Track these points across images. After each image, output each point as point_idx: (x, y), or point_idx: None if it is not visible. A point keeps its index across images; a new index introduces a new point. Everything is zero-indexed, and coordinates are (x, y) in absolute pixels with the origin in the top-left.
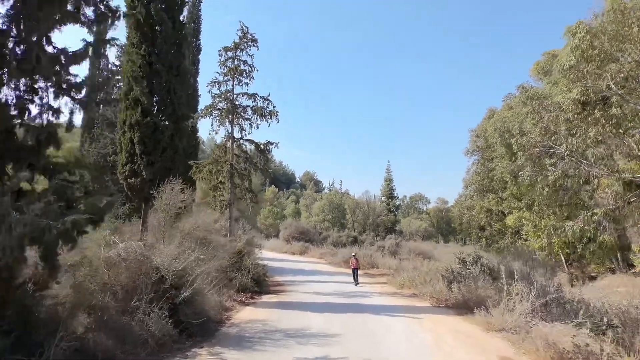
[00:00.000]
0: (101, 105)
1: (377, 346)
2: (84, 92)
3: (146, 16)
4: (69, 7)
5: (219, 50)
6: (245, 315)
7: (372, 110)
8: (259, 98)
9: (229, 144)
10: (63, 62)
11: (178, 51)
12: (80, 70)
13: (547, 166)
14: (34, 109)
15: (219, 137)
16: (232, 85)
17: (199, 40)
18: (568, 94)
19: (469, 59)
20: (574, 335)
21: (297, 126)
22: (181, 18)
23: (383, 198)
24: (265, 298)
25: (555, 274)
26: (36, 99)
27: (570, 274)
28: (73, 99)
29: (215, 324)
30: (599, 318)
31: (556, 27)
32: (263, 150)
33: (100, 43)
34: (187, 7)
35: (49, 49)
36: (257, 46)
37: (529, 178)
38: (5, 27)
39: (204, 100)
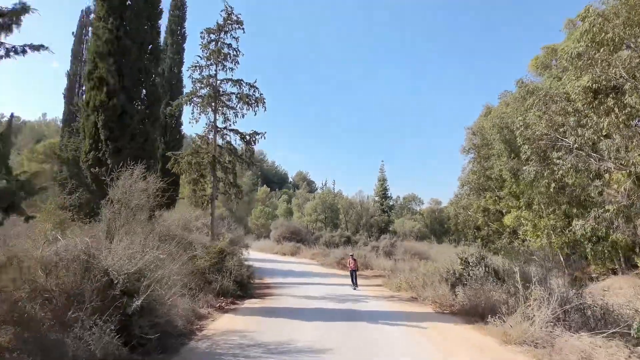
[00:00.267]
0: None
1: None
2: None
3: None
4: None
5: (201, 33)
6: (222, 324)
7: (366, 111)
8: (244, 85)
9: (211, 134)
10: None
11: (152, 27)
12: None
13: (555, 160)
14: None
15: (201, 128)
16: (216, 71)
17: (184, 28)
18: (577, 82)
19: (462, 59)
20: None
21: (290, 126)
22: None
23: (376, 198)
24: (249, 303)
25: (553, 275)
26: None
27: (570, 274)
28: None
29: (183, 336)
30: (625, 326)
31: (550, 26)
32: (249, 141)
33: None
34: None
35: None
36: (243, 29)
37: (534, 173)
38: None
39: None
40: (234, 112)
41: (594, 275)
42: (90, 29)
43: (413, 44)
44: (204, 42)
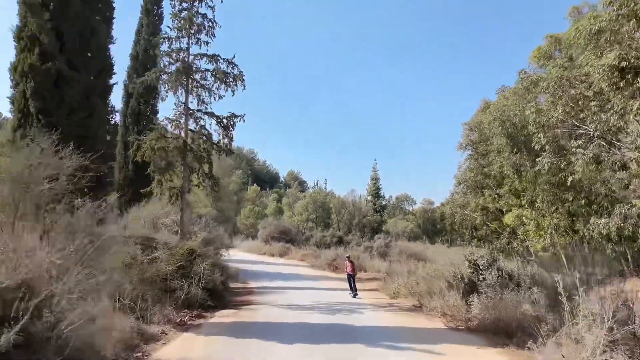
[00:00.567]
0: None
1: None
2: None
3: None
4: None
5: (171, 1)
6: (174, 350)
7: (359, 111)
8: (221, 60)
9: (182, 119)
10: None
11: None
12: None
13: (573, 149)
14: None
15: (170, 110)
16: (188, 44)
17: (161, 7)
18: (600, 61)
19: (455, 58)
20: None
21: (281, 126)
22: None
23: (369, 197)
24: (220, 316)
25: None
26: None
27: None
28: None
29: None
30: None
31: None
32: (226, 126)
33: None
34: None
35: None
36: None
37: (548, 164)
38: None
39: None
40: (208, 93)
41: (599, 278)
42: None
43: (407, 42)
44: (174, 11)
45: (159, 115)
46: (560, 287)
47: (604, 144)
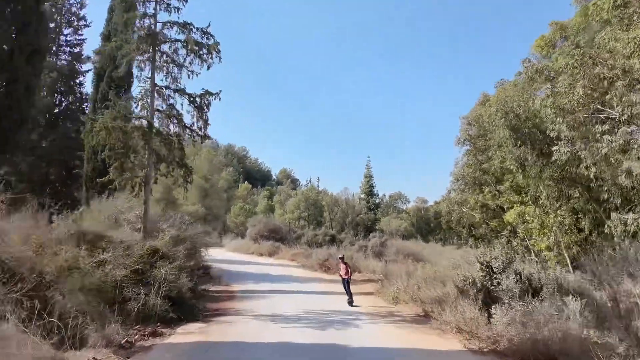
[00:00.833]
0: None
1: None
2: None
3: None
4: None
5: None
6: None
7: (353, 109)
8: (194, 30)
9: (148, 98)
10: None
11: None
12: None
13: (598, 136)
14: None
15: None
16: (155, 10)
17: None
18: (629, 34)
19: (448, 57)
20: None
21: (274, 125)
22: None
23: (362, 195)
24: (182, 333)
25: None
26: None
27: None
28: None
29: None
30: None
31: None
32: (200, 106)
33: None
34: None
35: None
36: None
37: (567, 154)
38: None
39: None
40: (179, 70)
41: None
42: None
43: (397, 40)
44: None
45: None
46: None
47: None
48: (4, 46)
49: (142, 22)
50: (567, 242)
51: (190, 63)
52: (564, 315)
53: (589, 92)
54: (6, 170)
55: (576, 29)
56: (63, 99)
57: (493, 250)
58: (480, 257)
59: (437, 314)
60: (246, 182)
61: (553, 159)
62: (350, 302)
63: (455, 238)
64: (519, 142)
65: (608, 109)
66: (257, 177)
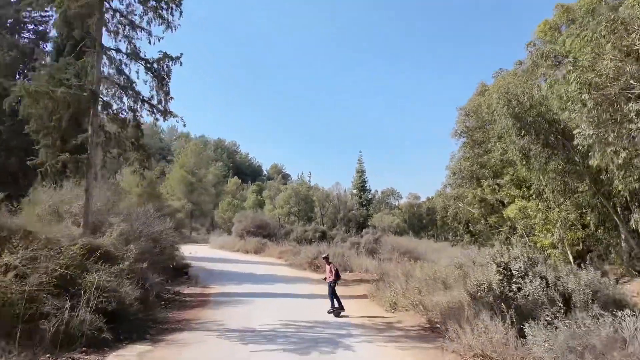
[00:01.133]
0: None
1: None
2: None
3: None
4: None
5: None
6: None
7: (344, 106)
8: None
9: (93, 57)
10: None
11: None
12: None
13: (633, 114)
14: None
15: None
16: None
17: None
18: None
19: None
20: None
21: (268, 121)
22: None
23: (354, 191)
24: None
25: None
26: None
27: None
28: None
29: None
30: None
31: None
32: (159, 74)
33: None
34: None
35: None
36: None
37: (593, 137)
38: None
39: None
40: (132, 28)
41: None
42: None
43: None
44: None
45: None
46: None
47: None
48: None
49: None
50: (570, 239)
51: (148, 23)
52: (619, 337)
53: (619, 64)
54: None
55: (585, 10)
56: (26, 80)
57: (511, 249)
58: (496, 258)
59: (453, 334)
60: (235, 177)
61: (575, 142)
62: (336, 312)
63: (451, 234)
64: (523, 131)
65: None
66: (247, 173)
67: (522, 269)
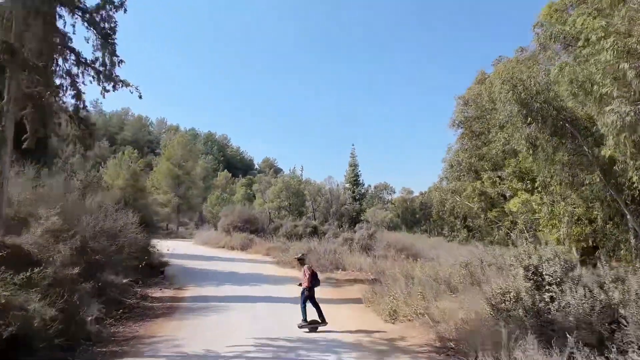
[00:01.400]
0: None
1: None
2: None
3: None
4: None
5: None
6: None
7: (336, 100)
8: None
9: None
10: None
11: None
12: None
13: None
14: None
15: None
16: None
17: None
18: None
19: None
20: None
21: (257, 116)
22: None
23: (347, 185)
24: None
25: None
26: None
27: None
28: None
29: None
30: None
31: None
32: (100, 28)
33: None
34: None
35: None
36: None
37: (628, 118)
38: None
39: None
40: None
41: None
42: None
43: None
44: None
45: None
46: None
47: None
48: None
49: None
50: (576, 234)
51: None
52: None
53: None
54: None
55: None
56: None
57: (542, 248)
58: (523, 260)
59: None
60: (226, 170)
61: (609, 120)
62: (311, 327)
63: (446, 229)
64: (529, 118)
65: None
66: (238, 167)
67: (558, 274)
